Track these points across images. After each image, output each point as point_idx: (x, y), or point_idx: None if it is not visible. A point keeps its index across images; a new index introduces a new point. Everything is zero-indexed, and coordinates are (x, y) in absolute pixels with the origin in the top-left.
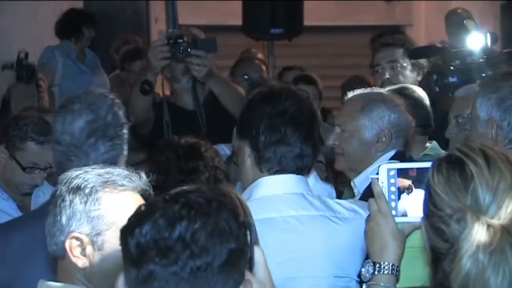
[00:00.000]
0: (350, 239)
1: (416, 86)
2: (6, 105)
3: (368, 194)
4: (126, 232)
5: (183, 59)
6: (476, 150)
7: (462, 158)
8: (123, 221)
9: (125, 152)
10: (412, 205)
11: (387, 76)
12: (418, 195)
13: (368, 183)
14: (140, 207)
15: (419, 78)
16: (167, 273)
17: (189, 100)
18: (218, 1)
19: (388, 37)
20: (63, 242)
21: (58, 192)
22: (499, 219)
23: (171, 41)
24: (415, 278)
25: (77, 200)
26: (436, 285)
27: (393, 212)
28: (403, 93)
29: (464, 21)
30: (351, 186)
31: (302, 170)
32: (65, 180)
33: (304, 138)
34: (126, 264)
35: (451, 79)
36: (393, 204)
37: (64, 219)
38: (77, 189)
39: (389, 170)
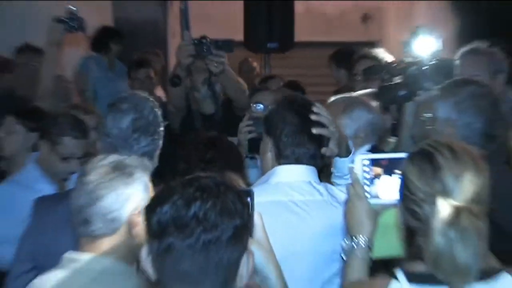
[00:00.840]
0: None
1: None
2: None
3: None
4: (149, 210)
5: (206, 56)
6: (443, 145)
7: (431, 151)
8: None
9: (160, 147)
10: (383, 189)
11: (365, 83)
12: (388, 180)
13: None
14: (161, 189)
15: None
16: (184, 245)
17: (208, 107)
18: (223, 19)
19: (365, 51)
20: (122, 218)
21: (104, 176)
22: (464, 202)
23: (196, 41)
24: (386, 247)
25: (138, 181)
26: (410, 257)
27: (367, 195)
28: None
29: (416, 26)
30: None
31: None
32: (117, 165)
33: (318, 143)
34: (148, 237)
35: (400, 93)
36: (367, 188)
37: (125, 197)
38: (130, 174)
39: (363, 160)
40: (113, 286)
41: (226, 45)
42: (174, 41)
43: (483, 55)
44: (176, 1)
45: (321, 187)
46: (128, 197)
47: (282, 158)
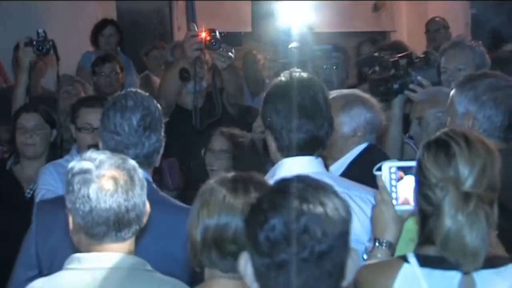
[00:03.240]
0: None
1: None
2: None
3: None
4: (254, 226)
5: (215, 50)
6: (458, 134)
7: (447, 140)
8: None
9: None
10: (410, 195)
11: None
12: (410, 181)
13: (342, 170)
14: (256, 200)
15: None
16: (299, 260)
17: (191, 102)
18: (230, 11)
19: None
20: (146, 214)
21: (126, 173)
22: (474, 188)
23: (205, 35)
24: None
25: (139, 173)
26: (422, 240)
27: (394, 202)
28: None
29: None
30: None
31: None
32: (120, 165)
33: (316, 124)
34: (255, 253)
35: (394, 86)
36: (393, 195)
37: (143, 193)
38: (134, 169)
39: (390, 167)
40: (151, 281)
41: (235, 39)
42: (179, 34)
43: (467, 48)
44: None
45: (326, 177)
46: (144, 191)
47: (284, 150)
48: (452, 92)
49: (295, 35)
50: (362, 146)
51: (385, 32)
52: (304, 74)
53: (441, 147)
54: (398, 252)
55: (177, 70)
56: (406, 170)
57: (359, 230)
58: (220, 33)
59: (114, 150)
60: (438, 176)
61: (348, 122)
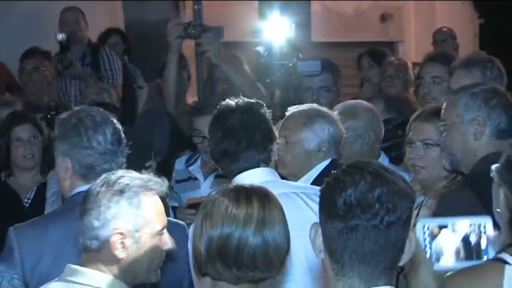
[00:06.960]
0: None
1: None
2: None
3: None
4: (333, 193)
5: (195, 39)
6: None
7: None
8: (156, 220)
9: None
10: (443, 251)
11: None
12: (446, 238)
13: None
14: (333, 175)
15: None
16: (370, 226)
17: None
18: (237, 20)
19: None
20: (107, 236)
21: (99, 193)
22: None
23: (186, 24)
24: None
25: (123, 201)
26: None
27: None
28: None
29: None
30: None
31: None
32: (104, 183)
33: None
34: (329, 218)
35: None
36: (428, 252)
37: (109, 216)
38: (121, 191)
39: (424, 224)
40: None
41: (216, 31)
42: (187, 43)
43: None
44: (189, 2)
45: (280, 184)
46: (115, 215)
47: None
48: (451, 100)
49: (277, 53)
50: (326, 162)
51: (392, 43)
52: (246, 100)
53: None
54: None
55: (172, 65)
56: (441, 225)
57: None
58: (200, 24)
59: (90, 166)
60: None
61: (312, 138)
